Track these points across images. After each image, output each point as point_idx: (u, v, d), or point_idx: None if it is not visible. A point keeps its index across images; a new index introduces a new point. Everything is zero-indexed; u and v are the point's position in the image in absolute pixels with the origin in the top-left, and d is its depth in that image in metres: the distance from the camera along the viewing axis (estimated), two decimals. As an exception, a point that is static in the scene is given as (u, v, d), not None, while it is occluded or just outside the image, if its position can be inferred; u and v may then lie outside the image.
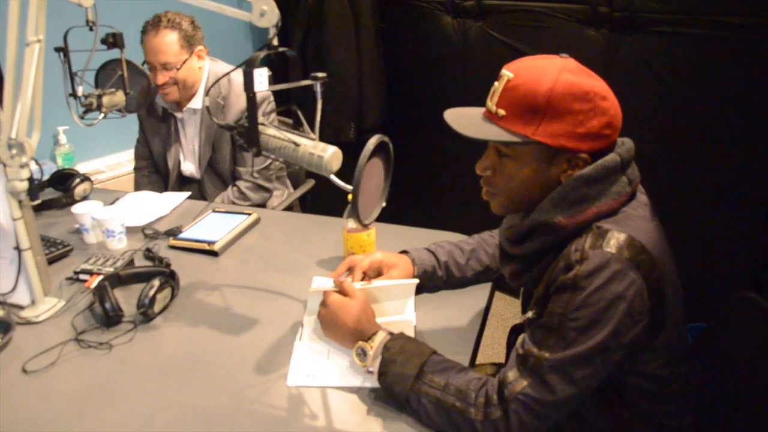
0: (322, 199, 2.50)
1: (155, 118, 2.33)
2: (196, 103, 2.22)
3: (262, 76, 1.13)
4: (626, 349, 0.99)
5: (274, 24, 1.13)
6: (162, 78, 2.09)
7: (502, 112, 1.04)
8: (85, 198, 1.99)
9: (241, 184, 2.25)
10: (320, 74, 1.21)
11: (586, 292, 0.96)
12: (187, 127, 2.30)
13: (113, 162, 2.84)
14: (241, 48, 3.47)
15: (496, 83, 1.06)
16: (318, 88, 1.22)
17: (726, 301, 1.27)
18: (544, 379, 0.98)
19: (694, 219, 2.35)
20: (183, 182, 2.38)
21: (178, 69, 2.10)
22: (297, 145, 1.16)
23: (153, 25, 2.07)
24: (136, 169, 2.50)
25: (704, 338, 1.32)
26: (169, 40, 2.07)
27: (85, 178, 2.02)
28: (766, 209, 2.26)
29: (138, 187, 2.42)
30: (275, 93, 1.19)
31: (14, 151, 1.26)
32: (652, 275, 0.98)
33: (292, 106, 1.26)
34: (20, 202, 1.32)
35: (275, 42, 1.16)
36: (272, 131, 1.19)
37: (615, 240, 0.98)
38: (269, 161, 2.26)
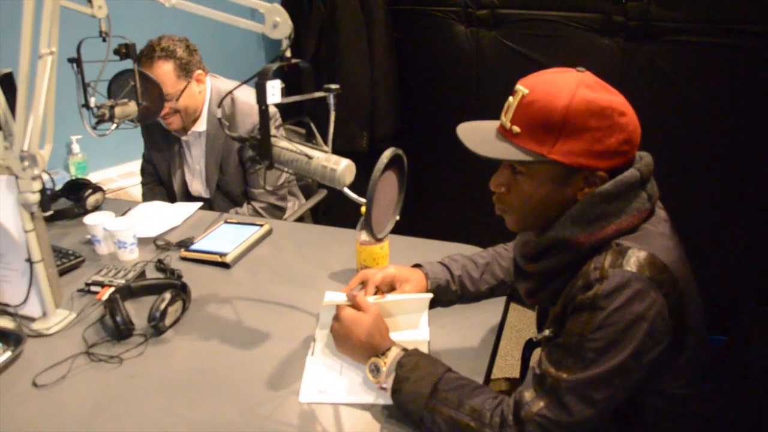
0: (334, 209, 2.49)
1: (160, 139, 2.30)
2: (201, 126, 2.19)
3: (274, 89, 1.11)
4: (647, 370, 0.97)
5: (287, 35, 1.11)
6: (163, 110, 2.05)
7: (516, 129, 1.02)
8: (97, 208, 1.99)
9: (255, 204, 2.23)
10: (333, 86, 1.20)
11: (605, 312, 0.94)
12: (193, 148, 2.27)
13: (125, 171, 2.85)
14: (255, 59, 3.47)
15: (510, 98, 1.04)
16: (331, 100, 1.20)
17: (743, 314, 1.24)
18: (562, 400, 0.96)
19: (710, 228, 2.32)
20: (192, 201, 2.36)
21: (177, 99, 2.06)
22: (310, 157, 1.15)
23: (147, 56, 2.02)
24: (143, 184, 2.49)
25: (722, 353, 1.29)
26: (164, 71, 2.01)
27: (98, 188, 2.02)
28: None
29: (146, 200, 2.40)
30: (288, 104, 1.17)
31: (26, 163, 1.25)
32: (674, 294, 0.95)
33: (304, 118, 1.24)
34: (32, 214, 1.31)
35: (288, 53, 1.14)
36: (284, 143, 1.17)
37: (636, 258, 0.95)
38: (282, 181, 2.24)
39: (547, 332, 1.06)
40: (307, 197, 2.55)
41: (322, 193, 2.55)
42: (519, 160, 1.01)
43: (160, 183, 2.43)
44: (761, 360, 1.20)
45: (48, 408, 1.16)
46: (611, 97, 1.00)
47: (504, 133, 1.05)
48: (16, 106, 1.22)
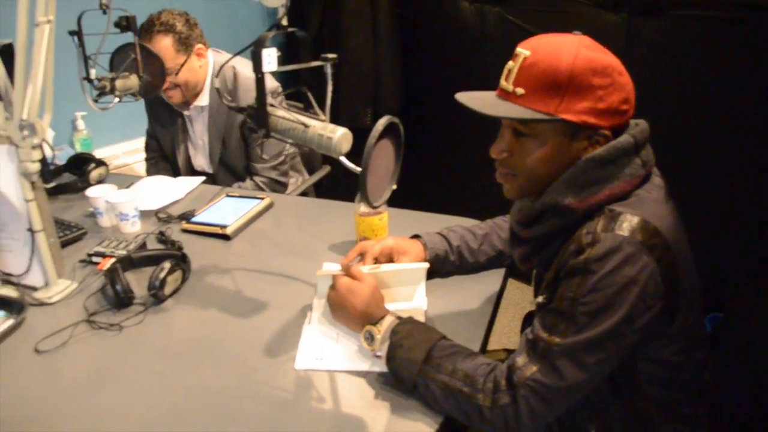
0: (337, 185, 2.49)
1: (163, 114, 2.31)
2: (203, 100, 2.19)
3: (270, 56, 1.11)
4: (639, 335, 0.97)
5: (283, 3, 1.11)
6: (164, 83, 2.05)
7: (521, 90, 1.01)
8: (100, 182, 2.00)
9: (257, 179, 2.23)
10: (330, 55, 1.20)
11: (597, 276, 0.94)
12: (195, 123, 2.28)
13: (130, 148, 2.85)
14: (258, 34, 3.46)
15: (510, 62, 1.04)
16: (328, 70, 1.20)
17: (743, 290, 1.24)
18: (554, 364, 0.96)
19: (712, 203, 2.30)
20: (195, 176, 2.36)
21: (177, 73, 2.06)
22: (306, 126, 1.15)
23: (146, 30, 2.01)
24: (147, 159, 2.49)
25: (722, 328, 1.29)
26: (163, 45, 2.01)
27: (101, 163, 2.02)
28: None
29: (150, 175, 2.41)
30: (287, 74, 1.17)
31: (26, 132, 1.26)
32: (666, 259, 0.95)
33: (301, 87, 1.24)
34: (32, 183, 1.32)
35: (285, 22, 1.14)
36: (282, 113, 1.18)
37: (628, 223, 0.95)
38: (282, 157, 2.24)
39: (540, 299, 1.06)
40: (311, 173, 2.55)
41: (325, 169, 2.56)
42: (529, 118, 1.00)
43: (164, 158, 2.44)
44: (758, 330, 1.20)
45: (49, 374, 1.18)
46: (610, 58, 1.01)
47: (506, 97, 1.04)
48: (15, 76, 1.22)
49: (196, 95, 2.19)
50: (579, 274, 0.96)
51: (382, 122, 1.10)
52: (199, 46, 2.11)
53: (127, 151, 2.84)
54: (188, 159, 2.35)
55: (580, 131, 1.01)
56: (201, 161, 2.34)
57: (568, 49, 0.99)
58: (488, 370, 1.02)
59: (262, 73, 1.11)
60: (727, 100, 2.21)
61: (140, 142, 2.74)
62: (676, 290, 0.98)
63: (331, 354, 1.19)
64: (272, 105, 1.18)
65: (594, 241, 0.95)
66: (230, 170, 2.29)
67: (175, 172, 2.38)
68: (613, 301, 0.94)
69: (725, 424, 1.19)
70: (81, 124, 2.68)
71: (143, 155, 2.56)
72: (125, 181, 2.03)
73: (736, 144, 2.24)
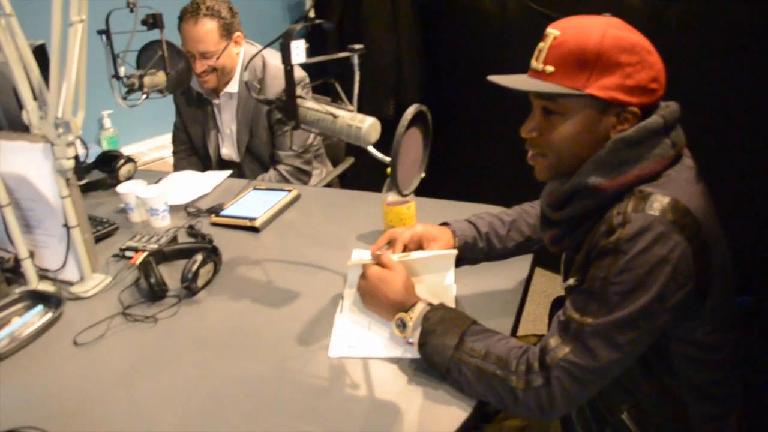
0: (361, 176, 2.50)
1: (192, 103, 2.35)
2: (233, 87, 2.24)
3: (299, 48, 1.12)
4: (671, 314, 0.97)
5: (310, -5, 1.12)
6: (201, 66, 2.10)
7: (550, 68, 1.02)
8: (129, 178, 2.03)
9: (281, 168, 2.26)
10: (357, 46, 1.21)
11: (629, 256, 0.94)
12: (224, 111, 2.32)
13: (155, 145, 2.90)
14: (280, 28, 3.47)
15: (541, 44, 1.05)
16: (356, 60, 1.21)
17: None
18: (587, 344, 0.96)
19: (742, 185, 2.28)
20: (223, 166, 2.40)
21: (217, 58, 2.11)
22: (335, 117, 1.16)
23: (192, 13, 2.06)
24: (174, 153, 2.53)
25: (753, 310, 1.29)
26: (208, 29, 2.06)
27: (129, 159, 2.06)
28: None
29: (178, 169, 2.45)
30: (313, 66, 1.19)
31: (61, 130, 1.29)
32: (698, 238, 0.95)
33: (330, 79, 1.25)
34: (67, 180, 1.35)
35: (312, 14, 1.15)
36: (310, 104, 1.19)
37: (659, 203, 0.95)
38: (308, 144, 2.27)
39: (571, 281, 1.07)
40: (335, 165, 2.57)
41: (349, 161, 2.57)
42: (559, 92, 1.01)
43: (191, 151, 2.48)
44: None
45: (89, 364, 1.21)
46: (638, 37, 1.02)
47: (537, 76, 1.05)
48: (50, 75, 1.25)
49: (227, 82, 2.23)
50: (610, 255, 0.96)
51: (410, 111, 1.11)
52: (238, 33, 2.16)
53: (153, 147, 2.88)
54: (217, 147, 2.39)
55: (608, 108, 1.02)
56: (229, 150, 2.37)
57: (596, 28, 1.00)
58: (521, 353, 1.03)
59: (291, 65, 1.13)
60: (750, 80, 2.18)
61: (165, 138, 2.79)
62: (708, 270, 0.98)
63: (363, 341, 1.21)
64: (301, 96, 1.19)
65: (625, 222, 0.95)
66: (257, 159, 2.33)
67: (204, 162, 2.43)
68: (644, 281, 0.94)
69: (759, 407, 1.19)
70: (107, 122, 2.73)
71: (169, 151, 2.60)
72: (153, 177, 2.06)
73: (764, 125, 2.21)
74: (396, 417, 1.03)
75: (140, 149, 2.86)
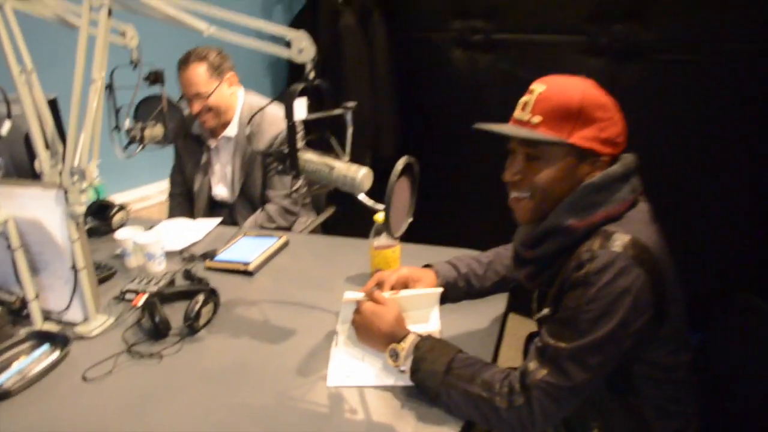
0: (342, 225, 2.62)
1: (190, 144, 2.50)
2: (231, 131, 2.38)
3: (301, 106, 1.26)
4: (634, 338, 1.10)
5: (311, 59, 1.26)
6: (197, 107, 2.26)
7: (537, 118, 1.17)
8: (122, 226, 2.12)
9: (269, 207, 2.38)
10: (350, 103, 1.35)
11: (596, 287, 1.07)
12: (221, 153, 2.46)
13: (141, 195, 2.98)
14: (253, 66, 3.61)
15: (525, 97, 1.20)
16: (349, 116, 1.35)
17: (724, 303, 1.38)
18: (562, 366, 1.09)
19: (693, 230, 2.46)
20: (214, 206, 2.53)
21: (209, 97, 2.26)
22: (331, 167, 1.29)
23: (183, 61, 2.26)
24: (170, 195, 2.64)
25: (707, 338, 1.42)
26: (198, 72, 2.24)
27: (122, 207, 2.15)
28: (753, 220, 2.39)
29: (172, 212, 2.57)
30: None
31: (76, 178, 1.39)
32: (654, 271, 1.09)
33: (325, 133, 1.38)
34: (77, 224, 1.45)
35: (312, 75, 1.29)
36: (309, 155, 1.31)
37: (621, 240, 1.09)
38: (297, 185, 2.39)
39: (546, 311, 1.20)
40: (318, 213, 2.69)
41: (330, 210, 2.70)
42: (546, 140, 1.16)
43: (186, 197, 2.59)
44: (738, 339, 1.34)
45: (99, 398, 1.28)
46: (608, 98, 1.19)
47: (522, 125, 1.20)
48: (69, 126, 1.36)
49: (225, 125, 2.37)
50: (580, 286, 1.09)
51: (401, 162, 1.24)
52: (230, 74, 2.32)
53: (138, 197, 2.96)
54: (209, 188, 2.51)
55: (586, 157, 1.17)
56: (222, 191, 2.50)
57: (578, 85, 1.17)
58: (503, 376, 1.14)
59: (293, 122, 1.25)
60: (700, 133, 2.39)
61: (149, 189, 2.88)
62: (664, 298, 1.11)
63: (359, 372, 1.31)
64: (300, 149, 1.32)
65: (592, 257, 1.09)
66: (249, 200, 2.45)
67: (197, 202, 2.53)
68: (610, 308, 1.07)
69: (716, 422, 1.31)
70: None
71: (155, 201, 2.70)
72: (142, 225, 2.14)
73: (710, 170, 2.41)
74: (392, 438, 1.13)
75: (125, 199, 2.94)
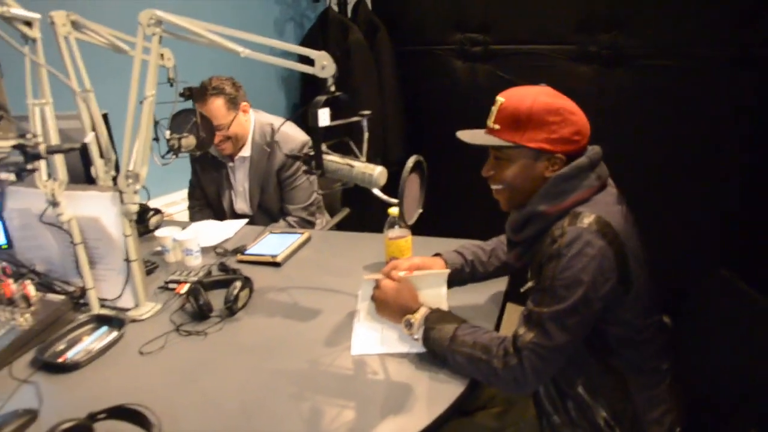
0: (354, 225, 2.83)
1: (208, 166, 2.69)
2: (246, 151, 2.57)
3: (324, 115, 1.47)
4: (603, 301, 1.29)
5: (332, 74, 1.48)
6: (217, 138, 2.41)
7: (497, 126, 1.39)
8: (158, 227, 2.32)
9: (289, 219, 2.59)
10: (365, 112, 1.57)
11: (567, 257, 1.27)
12: (238, 172, 2.65)
13: (167, 201, 3.19)
14: (268, 81, 3.85)
15: (492, 107, 1.42)
16: (365, 123, 1.57)
17: (701, 280, 1.57)
18: (545, 328, 1.28)
19: (671, 218, 2.67)
20: (237, 219, 2.71)
21: (228, 128, 2.44)
22: (352, 166, 1.50)
23: (200, 96, 2.38)
24: (190, 207, 2.84)
25: (684, 314, 1.61)
26: (217, 105, 2.40)
27: (158, 211, 2.36)
28: (727, 210, 2.60)
29: (193, 220, 2.76)
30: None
31: (130, 180, 1.61)
32: (616, 243, 1.28)
33: (343, 138, 1.59)
34: (130, 221, 1.66)
35: (332, 88, 1.50)
36: (332, 157, 1.53)
37: (587, 218, 1.30)
38: (313, 198, 2.60)
39: (530, 283, 1.40)
40: (332, 215, 2.91)
41: (345, 211, 2.92)
42: (498, 144, 1.38)
43: (206, 205, 2.79)
44: (714, 313, 1.53)
45: (155, 369, 1.49)
46: (563, 102, 1.37)
47: (489, 132, 1.42)
48: (124, 135, 1.58)
49: (241, 147, 2.56)
50: (554, 258, 1.29)
51: (411, 160, 1.46)
52: (244, 103, 2.50)
53: (165, 204, 3.17)
54: (231, 204, 2.70)
55: (539, 155, 1.37)
56: (242, 205, 2.69)
57: (530, 95, 1.37)
58: (499, 341, 1.35)
59: (319, 128, 1.46)
60: (679, 133, 2.61)
61: (170, 198, 3.09)
62: (626, 267, 1.31)
63: (378, 341, 1.52)
64: (325, 152, 1.53)
65: (563, 233, 1.29)
66: (267, 213, 2.65)
67: (219, 216, 2.73)
68: (580, 276, 1.26)
69: (687, 377, 1.48)
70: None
71: (176, 207, 2.92)
72: (175, 226, 2.36)
73: (688, 164, 2.64)
74: (409, 394, 1.34)
75: (155, 204, 3.15)
